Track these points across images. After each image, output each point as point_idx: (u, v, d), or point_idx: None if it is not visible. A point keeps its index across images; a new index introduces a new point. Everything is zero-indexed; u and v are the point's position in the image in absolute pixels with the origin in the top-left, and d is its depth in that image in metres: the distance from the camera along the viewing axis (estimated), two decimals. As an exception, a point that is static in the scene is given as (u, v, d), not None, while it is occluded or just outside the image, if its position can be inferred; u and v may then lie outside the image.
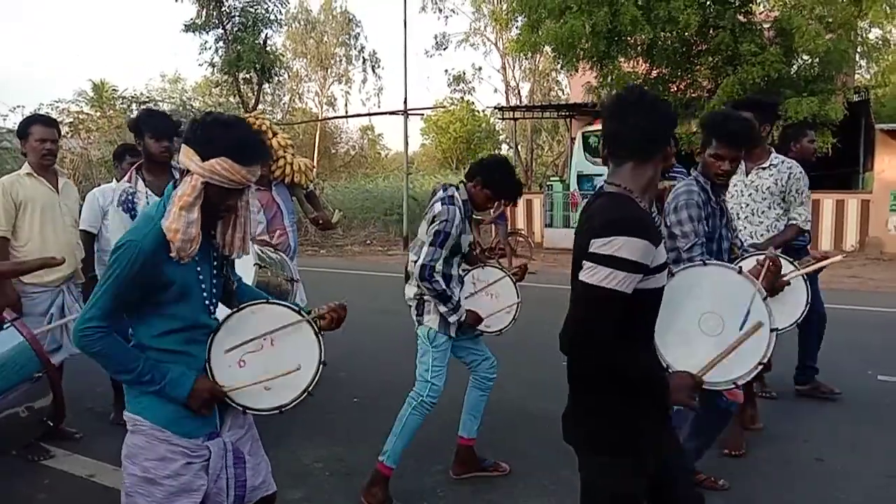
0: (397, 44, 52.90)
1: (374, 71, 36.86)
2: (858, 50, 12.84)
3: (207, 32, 20.93)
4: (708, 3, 12.47)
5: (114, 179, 4.73)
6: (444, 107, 34.79)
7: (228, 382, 2.09)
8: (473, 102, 36.07)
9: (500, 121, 31.14)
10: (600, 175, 13.94)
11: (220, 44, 21.13)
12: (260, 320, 2.14)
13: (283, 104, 36.19)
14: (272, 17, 21.13)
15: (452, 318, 3.35)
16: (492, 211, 13.55)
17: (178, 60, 66.84)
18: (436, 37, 36.78)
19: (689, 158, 4.79)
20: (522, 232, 14.43)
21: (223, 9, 20.30)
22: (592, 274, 1.76)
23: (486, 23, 30.67)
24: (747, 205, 4.08)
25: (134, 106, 20.71)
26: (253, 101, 21.79)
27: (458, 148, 36.42)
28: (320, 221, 5.10)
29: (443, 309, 3.34)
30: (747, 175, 4.05)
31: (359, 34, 36.32)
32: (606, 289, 1.74)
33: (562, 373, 1.99)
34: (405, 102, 17.23)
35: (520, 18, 13.49)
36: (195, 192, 1.94)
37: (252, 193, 2.15)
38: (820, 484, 3.49)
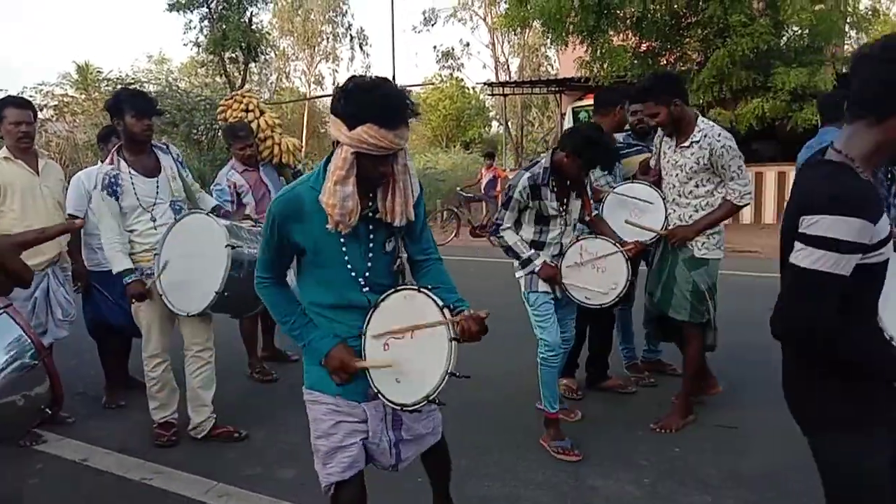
0: (385, 20, 52.31)
1: (361, 48, 36.58)
2: (848, 20, 12.79)
3: (192, 11, 20.66)
4: (697, -26, 12.37)
5: (99, 162, 4.68)
6: (432, 84, 34.57)
7: (371, 356, 2.11)
8: (462, 79, 35.86)
9: (490, 97, 30.98)
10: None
11: (205, 23, 20.86)
12: (408, 309, 2.07)
13: (270, 83, 35.89)
14: (257, -6, 20.84)
15: (518, 274, 3.60)
16: (481, 187, 13.50)
17: (163, 40, 65.92)
18: (424, 12, 36.52)
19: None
20: None
21: (207, -14, 20.02)
22: (804, 256, 1.60)
23: (474, -2, 30.36)
24: (674, 186, 3.73)
25: (119, 88, 20.45)
26: (240, 80, 21.58)
27: (448, 125, 36.20)
28: None
29: (515, 265, 3.61)
30: (674, 153, 3.71)
31: (346, 11, 35.97)
32: (820, 272, 1.58)
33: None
34: (393, 80, 17.00)
35: (508, -8, 13.37)
36: (347, 163, 1.90)
37: (405, 156, 2.05)
38: (799, 451, 3.51)
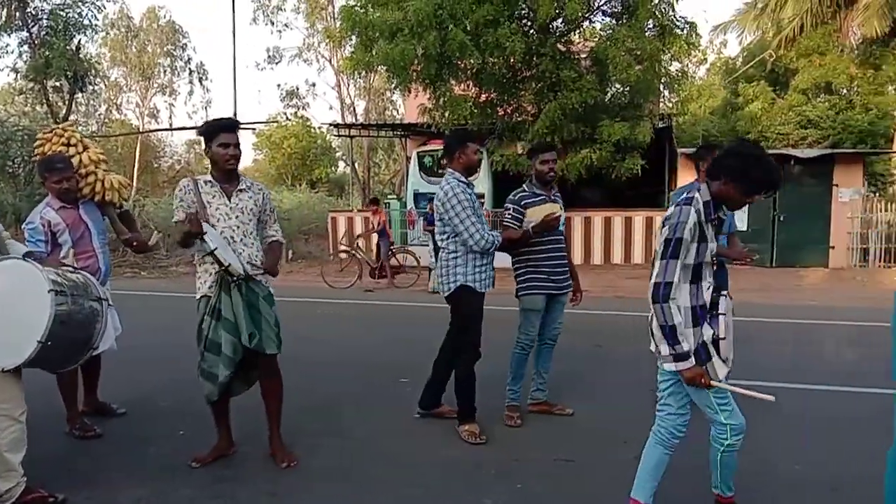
0: (227, 56, 51.06)
1: (201, 83, 35.46)
2: (662, 81, 14.20)
3: (9, 35, 19.07)
4: (531, 31, 13.23)
5: None
6: (276, 121, 34.04)
7: None
8: (308, 119, 35.67)
9: (337, 138, 30.98)
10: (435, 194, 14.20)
11: (25, 48, 19.29)
12: None
13: (99, 115, 33.71)
14: (86, 21, 19.65)
15: (668, 367, 2.87)
16: (374, 225, 13.43)
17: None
18: (268, 50, 35.95)
19: (515, 179, 4.97)
20: (410, 249, 14.16)
21: (28, 10, 18.58)
22: None
23: (319, 39, 30.48)
24: (238, 227, 3.80)
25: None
26: (64, 110, 20.06)
27: (293, 164, 35.78)
28: (134, 243, 4.74)
29: (664, 350, 2.83)
30: (230, 199, 3.79)
31: (186, 45, 34.77)
32: None
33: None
34: (235, 116, 16.64)
35: (353, 37, 13.54)
36: None
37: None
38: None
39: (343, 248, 14.10)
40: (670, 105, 15.93)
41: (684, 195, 2.90)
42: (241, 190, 3.82)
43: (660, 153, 14.94)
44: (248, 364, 3.83)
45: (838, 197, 14.18)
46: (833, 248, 14.60)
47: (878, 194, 17.26)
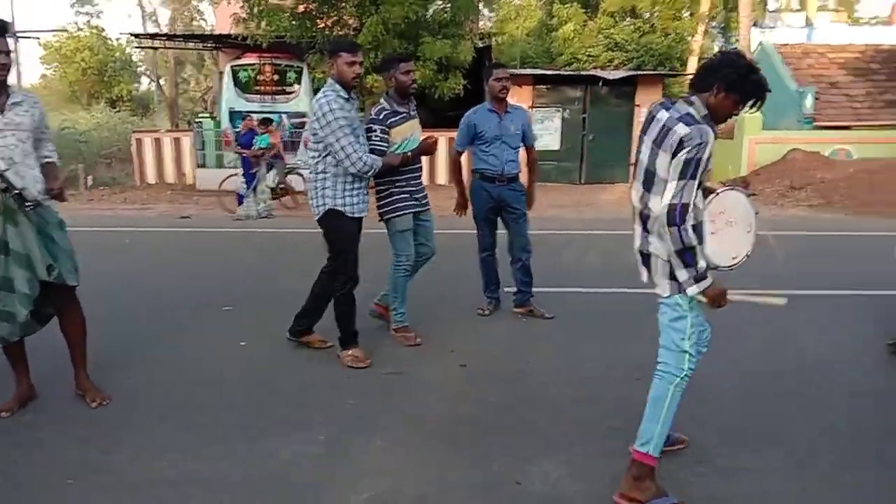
0: (-2, -49, 44.13)
1: (-33, -19, 30.51)
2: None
3: None
4: (349, -62, 12.66)
5: None
6: (65, 31, 30.29)
7: None
8: (103, 28, 32.11)
9: (138, 50, 28.21)
10: (252, 112, 13.49)
11: None
12: None
13: None
14: None
15: (692, 290, 2.64)
16: (271, 147, 12.35)
17: None
18: (50, -53, 31.48)
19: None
20: (299, 171, 13.17)
21: None
22: None
23: (112, -64, 27.19)
24: (16, 146, 3.28)
25: None
26: None
27: (90, 80, 32.25)
28: None
29: (682, 275, 2.63)
30: (3, 114, 3.27)
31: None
32: None
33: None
34: (12, 23, 14.57)
35: (152, -66, 12.19)
36: None
37: None
38: (463, 387, 3.94)
39: None
40: (490, 25, 16.12)
41: (677, 111, 2.72)
42: (14, 103, 3.30)
43: (480, 74, 15.18)
44: (41, 300, 3.43)
45: (639, 117, 15.35)
46: (634, 165, 15.88)
47: (673, 114, 18.87)
